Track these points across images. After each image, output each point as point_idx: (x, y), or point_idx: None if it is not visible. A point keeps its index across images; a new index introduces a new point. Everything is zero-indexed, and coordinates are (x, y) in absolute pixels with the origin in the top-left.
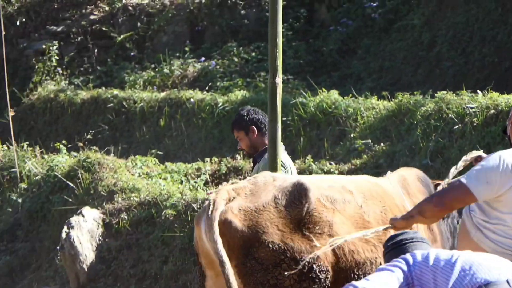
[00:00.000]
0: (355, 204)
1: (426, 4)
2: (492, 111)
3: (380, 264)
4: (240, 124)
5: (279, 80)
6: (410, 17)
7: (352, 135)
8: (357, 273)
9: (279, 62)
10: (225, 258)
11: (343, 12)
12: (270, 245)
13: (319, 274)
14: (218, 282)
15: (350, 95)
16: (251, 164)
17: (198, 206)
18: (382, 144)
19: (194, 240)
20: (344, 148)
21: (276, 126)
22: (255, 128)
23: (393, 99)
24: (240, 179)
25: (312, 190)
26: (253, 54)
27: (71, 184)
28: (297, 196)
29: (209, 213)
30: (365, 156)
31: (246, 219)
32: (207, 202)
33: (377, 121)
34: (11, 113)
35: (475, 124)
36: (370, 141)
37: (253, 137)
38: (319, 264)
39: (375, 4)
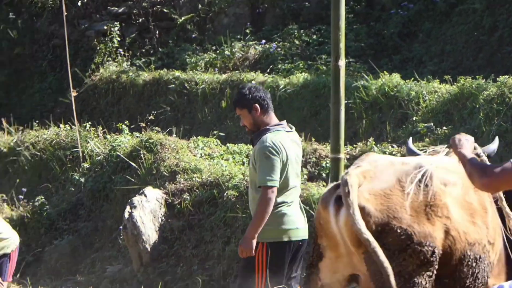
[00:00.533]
0: (459, 185)
1: None
2: None
3: (485, 246)
4: (242, 102)
5: (342, 63)
6: (471, 1)
7: (414, 118)
8: (469, 254)
9: (342, 45)
10: (371, 238)
11: None
12: (399, 230)
13: (436, 258)
14: (336, 264)
15: (412, 78)
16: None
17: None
18: (444, 128)
19: (316, 222)
20: (406, 131)
21: (339, 109)
22: (258, 106)
23: (455, 83)
24: (302, 161)
25: (434, 173)
26: (314, 36)
27: (134, 164)
28: (421, 179)
29: (348, 197)
30: (427, 139)
31: (377, 203)
32: (333, 186)
33: (439, 104)
34: (74, 94)
35: None
36: (432, 124)
37: (256, 115)
38: (438, 247)
39: None
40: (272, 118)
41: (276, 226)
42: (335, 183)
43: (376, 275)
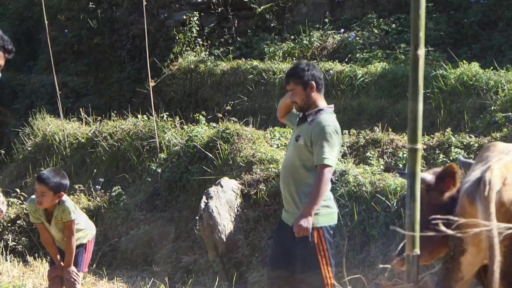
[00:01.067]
0: None
1: None
2: None
3: None
4: (300, 78)
5: (421, 52)
6: None
7: (492, 108)
8: None
9: (422, 34)
10: (496, 245)
11: None
12: None
13: None
14: (477, 258)
15: (491, 67)
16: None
17: (336, 178)
18: None
19: (459, 216)
20: (484, 121)
21: (417, 98)
22: (314, 84)
23: None
24: (378, 151)
25: None
26: (393, 25)
27: (210, 155)
28: None
29: (486, 193)
30: (505, 129)
31: None
32: (476, 180)
33: None
34: (152, 84)
35: None
36: (510, 114)
37: (311, 92)
38: None
39: None
40: (323, 100)
41: (328, 210)
42: (478, 176)
43: (508, 267)
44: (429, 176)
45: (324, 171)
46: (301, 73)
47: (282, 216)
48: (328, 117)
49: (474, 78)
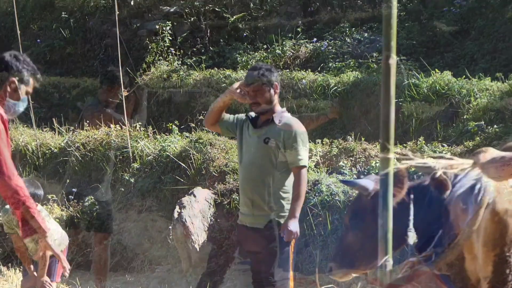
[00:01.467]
0: None
1: None
2: None
3: None
4: (268, 78)
5: (393, 61)
6: None
7: (465, 117)
8: None
9: (393, 43)
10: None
11: None
12: None
13: None
14: (473, 263)
15: (464, 76)
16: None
17: (309, 188)
18: (495, 126)
19: (454, 223)
20: (456, 130)
21: (389, 107)
22: (278, 87)
23: (507, 81)
24: (351, 160)
25: None
26: (366, 34)
27: (183, 165)
28: None
29: (478, 198)
30: (478, 138)
31: None
32: (470, 187)
33: (491, 102)
34: (124, 93)
35: None
36: (483, 122)
37: (275, 94)
38: None
39: None
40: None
41: None
42: (472, 183)
43: (497, 277)
44: (370, 183)
45: (302, 173)
46: (268, 75)
47: (242, 221)
48: (294, 118)
49: (446, 87)
